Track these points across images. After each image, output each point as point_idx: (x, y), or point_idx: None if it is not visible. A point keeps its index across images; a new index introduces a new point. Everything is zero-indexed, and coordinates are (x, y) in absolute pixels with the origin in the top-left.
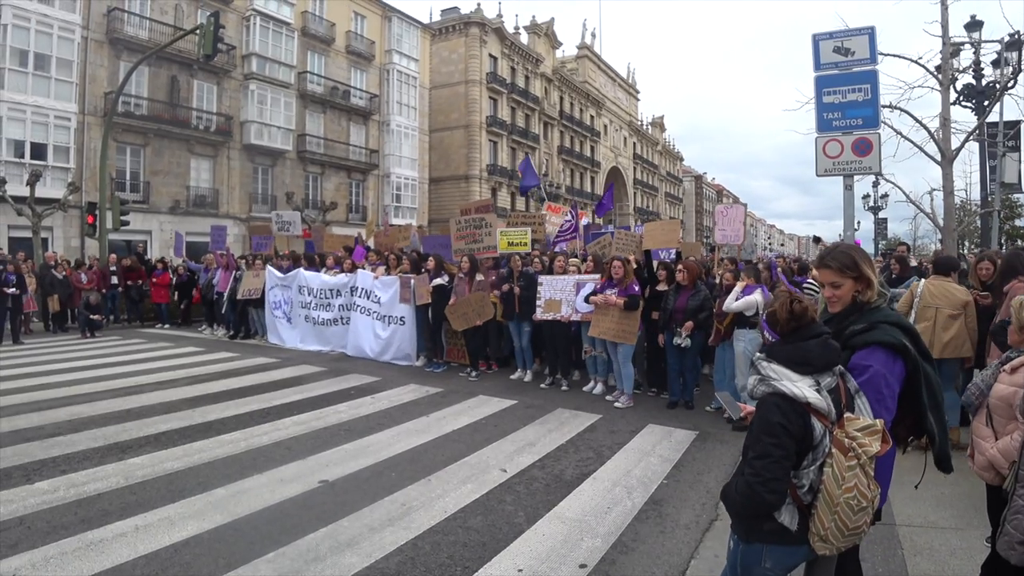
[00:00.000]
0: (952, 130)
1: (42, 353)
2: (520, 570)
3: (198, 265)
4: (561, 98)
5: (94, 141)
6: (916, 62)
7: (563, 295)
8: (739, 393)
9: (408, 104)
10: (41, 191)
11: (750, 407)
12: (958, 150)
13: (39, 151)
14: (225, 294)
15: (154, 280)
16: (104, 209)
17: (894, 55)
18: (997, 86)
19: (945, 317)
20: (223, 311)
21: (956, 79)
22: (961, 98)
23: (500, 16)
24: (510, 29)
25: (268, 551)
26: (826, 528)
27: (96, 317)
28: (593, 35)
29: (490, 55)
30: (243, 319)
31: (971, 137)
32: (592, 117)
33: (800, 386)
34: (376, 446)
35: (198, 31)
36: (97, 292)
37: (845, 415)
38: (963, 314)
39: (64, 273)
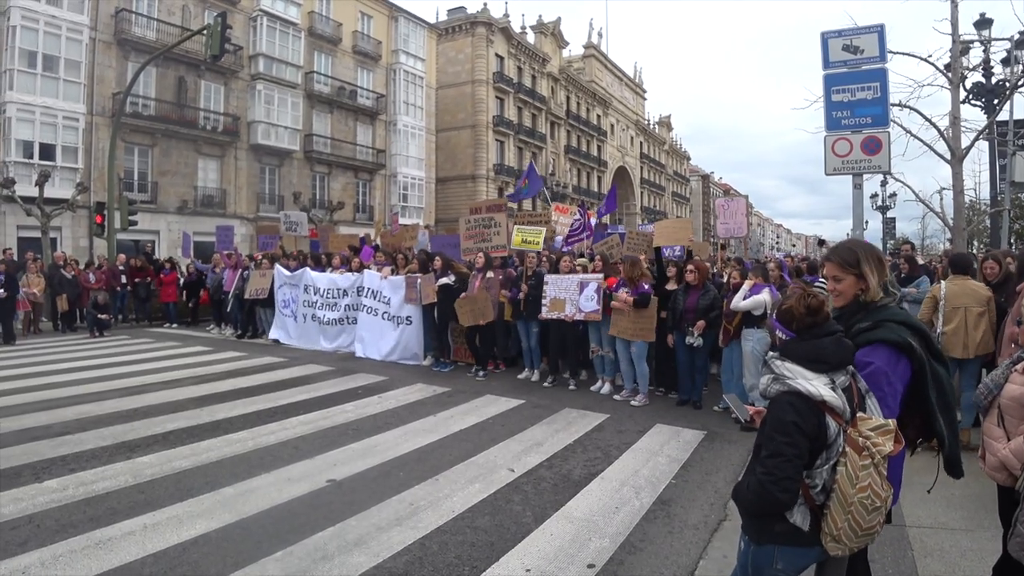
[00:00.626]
0: (962, 129)
1: (50, 352)
2: (528, 570)
3: (206, 265)
4: (568, 97)
5: (102, 141)
6: (926, 60)
7: (567, 294)
8: (747, 393)
9: (415, 104)
10: (50, 191)
11: (757, 408)
12: (968, 149)
13: (48, 151)
14: (231, 293)
15: (162, 279)
16: (112, 209)
17: (903, 53)
18: (1007, 84)
19: (975, 316)
20: (228, 310)
21: (966, 77)
22: (971, 96)
23: (507, 16)
24: (516, 29)
25: (276, 550)
26: (839, 528)
27: (104, 316)
28: (600, 35)
29: (496, 55)
30: (251, 318)
31: (981, 136)
32: (599, 116)
33: (816, 384)
34: (383, 445)
35: (205, 32)
36: (105, 292)
37: (858, 414)
38: (987, 309)
39: (72, 273)
